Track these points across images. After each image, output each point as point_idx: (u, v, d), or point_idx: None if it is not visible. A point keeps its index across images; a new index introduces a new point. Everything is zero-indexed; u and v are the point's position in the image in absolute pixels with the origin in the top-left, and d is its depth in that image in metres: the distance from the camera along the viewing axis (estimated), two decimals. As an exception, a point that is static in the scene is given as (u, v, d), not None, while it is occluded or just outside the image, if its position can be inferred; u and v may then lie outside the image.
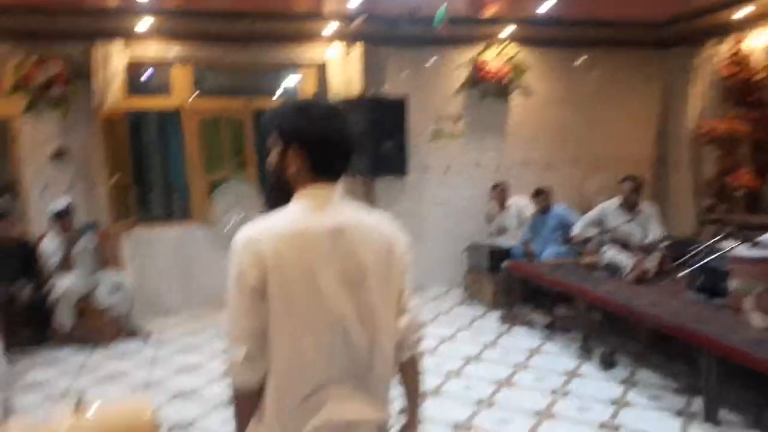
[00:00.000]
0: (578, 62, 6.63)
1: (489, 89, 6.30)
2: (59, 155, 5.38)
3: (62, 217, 4.85)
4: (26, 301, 4.64)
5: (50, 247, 4.84)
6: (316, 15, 5.62)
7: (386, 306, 1.39)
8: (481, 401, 3.59)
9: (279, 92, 7.82)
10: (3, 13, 4.94)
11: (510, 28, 6.17)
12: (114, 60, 5.25)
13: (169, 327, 5.31)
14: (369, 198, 6.00)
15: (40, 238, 5.01)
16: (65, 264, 4.75)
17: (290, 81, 7.28)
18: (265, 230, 1.29)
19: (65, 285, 4.64)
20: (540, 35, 6.36)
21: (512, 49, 6.29)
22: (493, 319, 5.27)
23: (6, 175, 6.12)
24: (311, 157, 1.35)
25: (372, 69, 5.99)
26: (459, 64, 6.30)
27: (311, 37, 5.85)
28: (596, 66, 6.67)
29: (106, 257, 5.13)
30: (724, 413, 3.21)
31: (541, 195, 5.63)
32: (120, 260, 5.40)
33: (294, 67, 6.30)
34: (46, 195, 5.33)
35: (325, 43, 5.87)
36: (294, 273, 1.27)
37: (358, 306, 1.34)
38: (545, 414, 3.39)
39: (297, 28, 5.76)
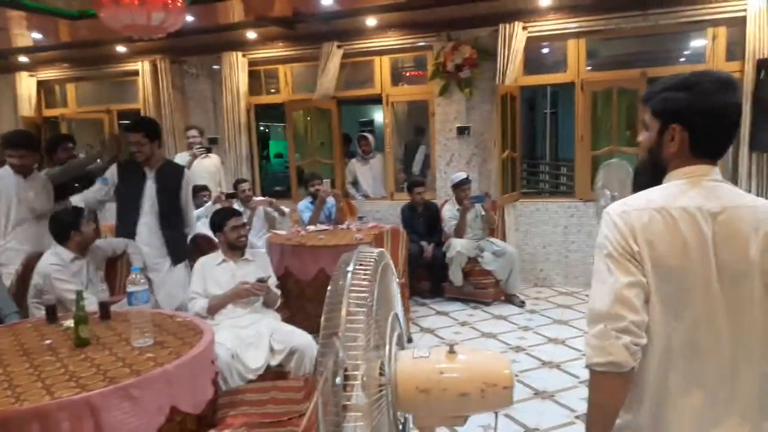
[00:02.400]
0: None
1: None
2: (462, 132, 6.12)
3: (460, 188, 5.54)
4: (428, 257, 5.50)
5: (448, 213, 5.60)
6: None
7: (761, 301, 1.23)
8: None
9: (681, 58, 7.12)
10: (425, 7, 5.71)
11: None
12: (515, 40, 5.62)
13: (543, 298, 5.57)
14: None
15: (442, 204, 5.86)
16: (460, 229, 5.43)
17: (694, 44, 6.54)
18: (636, 205, 1.28)
19: (458, 247, 5.31)
20: None
21: None
22: None
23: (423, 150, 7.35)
24: (694, 137, 1.28)
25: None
26: None
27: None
28: None
29: (492, 226, 5.67)
30: None
31: None
32: (505, 229, 5.89)
33: (701, 27, 5.62)
34: (450, 167, 6.18)
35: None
36: (664, 252, 1.23)
37: (731, 304, 1.22)
38: None
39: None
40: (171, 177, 3.84)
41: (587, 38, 5.81)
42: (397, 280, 1.89)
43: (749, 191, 5.10)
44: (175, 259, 3.79)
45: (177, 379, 2.15)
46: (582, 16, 5.57)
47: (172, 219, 3.82)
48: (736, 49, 5.27)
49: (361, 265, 1.48)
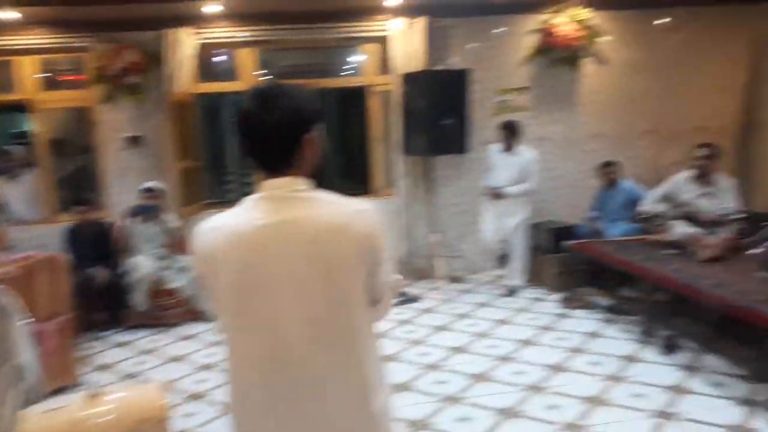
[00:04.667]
0: (657, 24, 6.09)
1: (558, 57, 5.86)
2: (134, 142, 5.67)
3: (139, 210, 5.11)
4: (102, 284, 4.91)
5: (124, 231, 5.12)
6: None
7: (335, 308, 1.26)
8: (532, 387, 3.51)
9: (344, 72, 7.84)
10: (80, 4, 5.08)
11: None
12: (184, 45, 5.41)
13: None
14: (427, 177, 5.93)
15: (116, 222, 5.33)
16: (130, 247, 5.03)
17: (355, 59, 7.26)
18: (209, 223, 1.31)
19: (141, 268, 4.91)
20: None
21: (586, 13, 5.77)
22: (553, 302, 5.11)
23: (89, 162, 6.56)
24: (241, 148, 1.32)
25: (435, 42, 5.77)
26: (527, 31, 5.91)
27: (374, 11, 5.70)
28: (676, 28, 6.12)
29: (175, 241, 5.32)
30: (794, 405, 2.98)
31: (608, 167, 5.40)
32: (188, 244, 5.60)
33: (358, 43, 6.21)
34: (123, 181, 5.67)
35: (388, 16, 5.71)
36: (222, 270, 1.26)
37: (292, 310, 1.25)
38: (597, 400, 3.28)
39: (359, 2, 5.57)
40: None
41: (259, 48, 5.92)
42: (30, 321, 1.63)
43: (404, 189, 5.89)
44: None
45: None
46: (252, 25, 5.63)
47: None
48: (387, 64, 5.96)
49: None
